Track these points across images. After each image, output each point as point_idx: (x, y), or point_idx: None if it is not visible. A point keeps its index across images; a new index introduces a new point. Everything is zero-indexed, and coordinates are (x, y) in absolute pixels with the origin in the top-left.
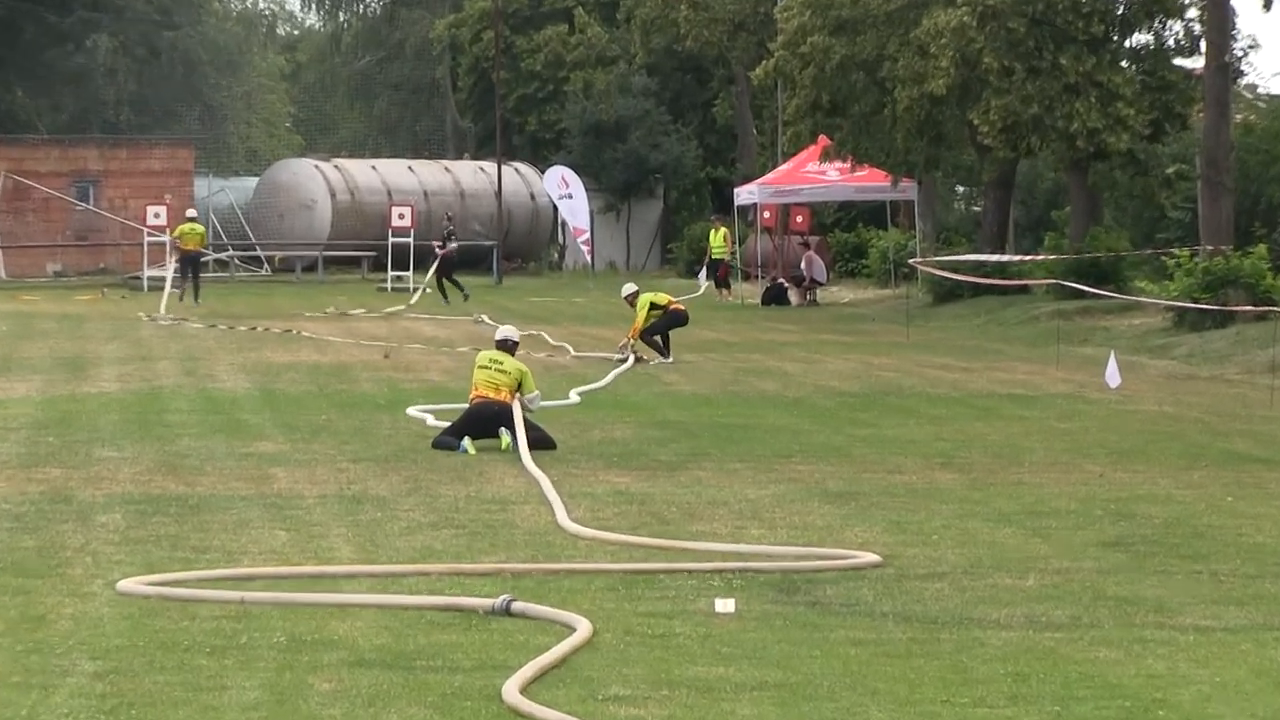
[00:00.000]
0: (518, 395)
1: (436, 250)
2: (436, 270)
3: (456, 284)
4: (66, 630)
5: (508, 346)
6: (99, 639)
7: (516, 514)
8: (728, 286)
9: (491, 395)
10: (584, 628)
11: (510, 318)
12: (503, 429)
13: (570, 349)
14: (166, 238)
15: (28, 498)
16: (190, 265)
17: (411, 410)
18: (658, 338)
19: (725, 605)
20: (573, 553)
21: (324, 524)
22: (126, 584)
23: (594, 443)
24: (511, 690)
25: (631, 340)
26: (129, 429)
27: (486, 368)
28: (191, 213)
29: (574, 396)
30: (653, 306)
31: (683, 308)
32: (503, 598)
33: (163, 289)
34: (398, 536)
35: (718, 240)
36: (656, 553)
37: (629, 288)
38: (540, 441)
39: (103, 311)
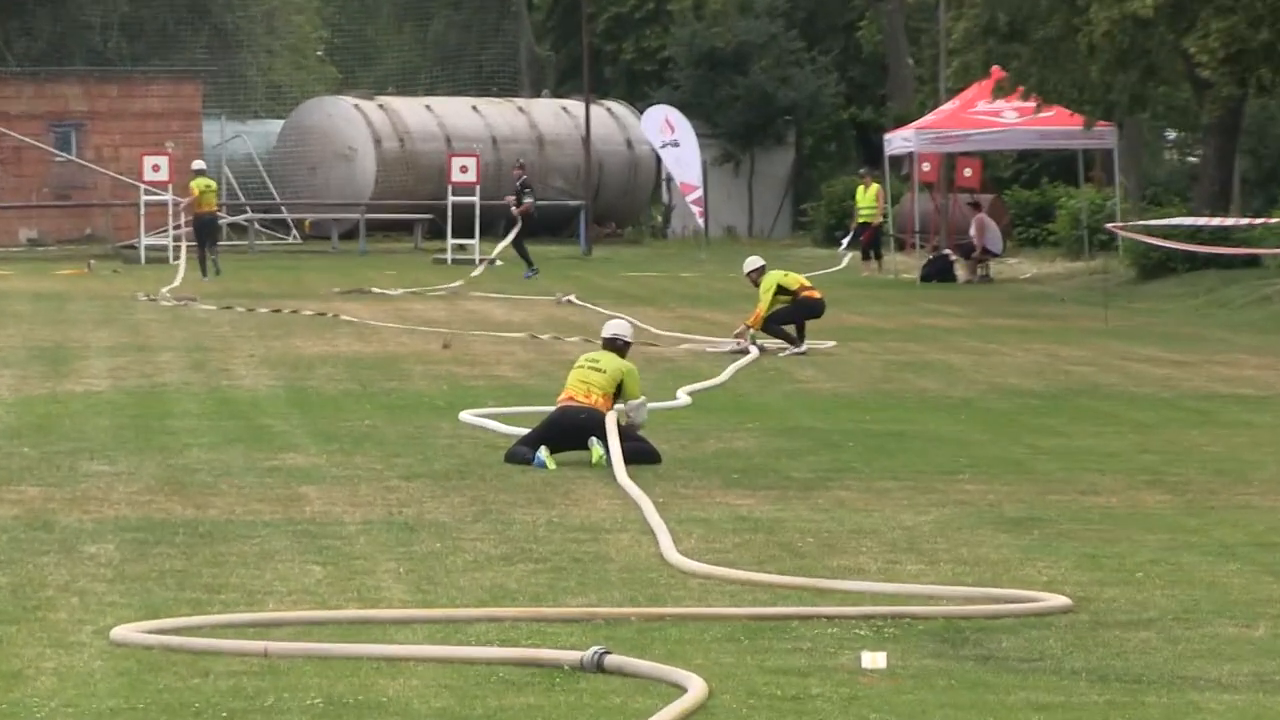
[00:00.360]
0: (615, 404)
1: (512, 210)
2: (516, 235)
3: (524, 254)
4: (48, 689)
5: (616, 346)
6: (89, 700)
7: (610, 545)
8: (878, 257)
9: (580, 399)
10: (696, 688)
11: (602, 297)
12: (594, 439)
13: (697, 339)
14: (169, 196)
15: None
16: (209, 231)
17: (466, 415)
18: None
19: (875, 660)
20: (682, 594)
21: (369, 557)
22: (122, 631)
23: (708, 455)
24: None
25: (752, 328)
26: (124, 437)
27: (581, 366)
28: (199, 164)
29: (683, 397)
30: (780, 290)
31: (818, 295)
32: (593, 650)
33: (165, 260)
34: (461, 573)
35: (867, 199)
36: (788, 594)
37: (753, 261)
38: (641, 454)
39: (90, 289)
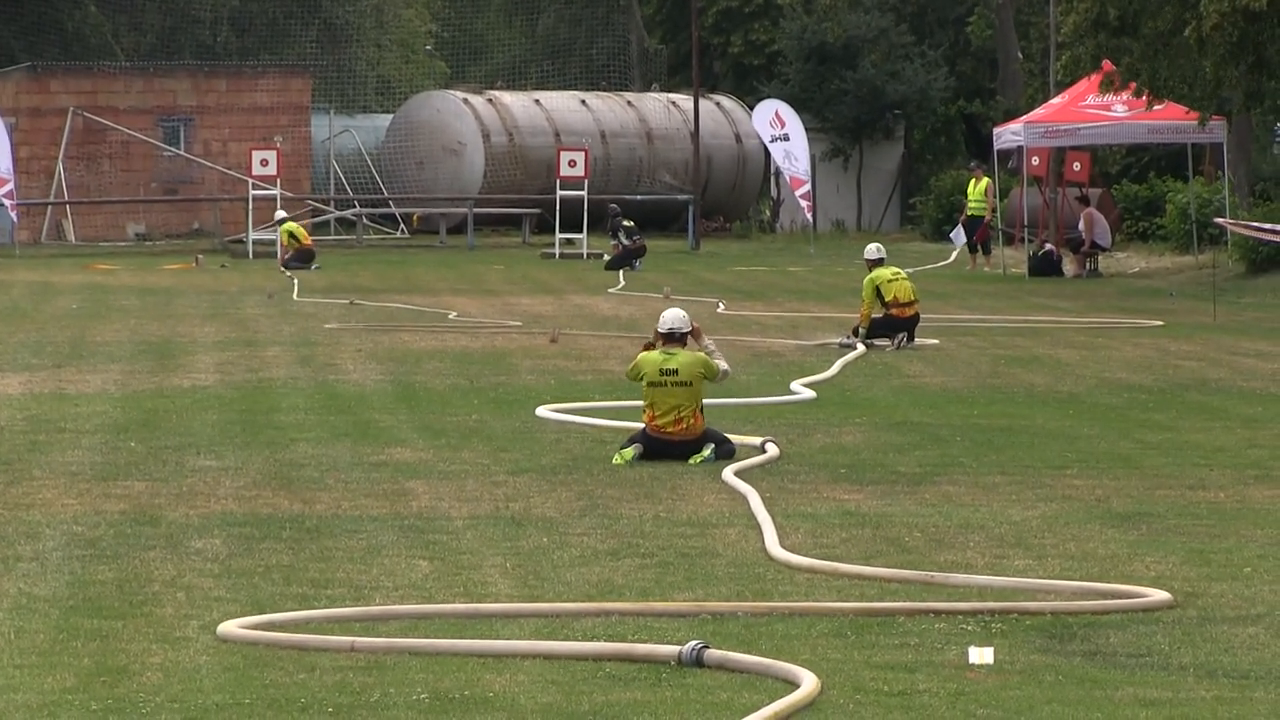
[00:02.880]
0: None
1: (626, 244)
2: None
3: (620, 266)
4: (154, 684)
5: (677, 339)
6: (194, 695)
7: (718, 540)
8: (987, 252)
9: (671, 430)
10: (808, 682)
11: (711, 291)
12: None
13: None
14: (277, 191)
15: (105, 518)
16: (309, 258)
17: (543, 411)
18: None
19: (982, 655)
20: (789, 589)
21: (475, 552)
22: (228, 627)
23: (815, 450)
24: None
25: (862, 326)
26: (230, 432)
27: (660, 384)
28: (281, 214)
29: (805, 390)
30: (877, 292)
31: (910, 313)
32: (693, 644)
33: (274, 255)
34: (568, 568)
35: (977, 193)
36: (895, 589)
37: (870, 250)
38: (722, 454)
39: (197, 284)
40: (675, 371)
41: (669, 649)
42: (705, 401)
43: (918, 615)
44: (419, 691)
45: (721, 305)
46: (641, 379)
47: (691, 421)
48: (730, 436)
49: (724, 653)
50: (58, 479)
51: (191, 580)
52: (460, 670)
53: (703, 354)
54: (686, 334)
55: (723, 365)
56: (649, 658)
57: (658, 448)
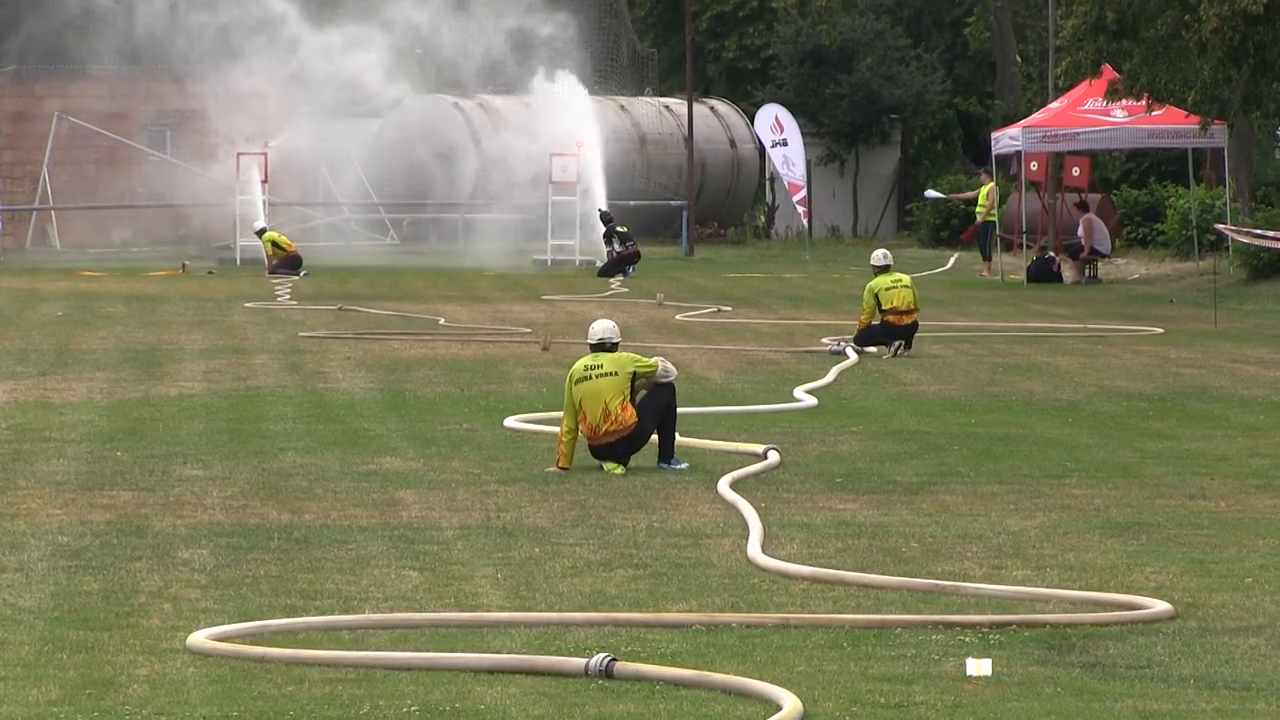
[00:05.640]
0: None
1: (620, 250)
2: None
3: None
4: (140, 696)
5: (606, 349)
6: (181, 708)
7: (712, 550)
8: (986, 258)
9: (603, 425)
10: (789, 705)
11: (703, 298)
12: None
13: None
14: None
15: (90, 528)
16: (296, 265)
17: (510, 421)
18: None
19: (980, 667)
20: (784, 599)
21: (466, 562)
22: (196, 638)
23: (811, 459)
24: None
25: (860, 327)
26: (218, 441)
27: (586, 379)
28: (259, 224)
29: (806, 397)
30: (876, 299)
31: (907, 322)
32: (601, 656)
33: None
34: (560, 579)
35: (983, 198)
36: (891, 600)
37: (876, 256)
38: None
39: (184, 291)
40: (600, 365)
41: (577, 661)
42: (708, 410)
43: (915, 627)
44: (409, 704)
45: (661, 296)
46: (574, 386)
47: (620, 413)
48: (730, 445)
49: (634, 665)
50: (43, 489)
51: (178, 591)
52: (451, 683)
53: (631, 354)
54: (615, 344)
55: (669, 367)
56: (554, 670)
57: (603, 454)
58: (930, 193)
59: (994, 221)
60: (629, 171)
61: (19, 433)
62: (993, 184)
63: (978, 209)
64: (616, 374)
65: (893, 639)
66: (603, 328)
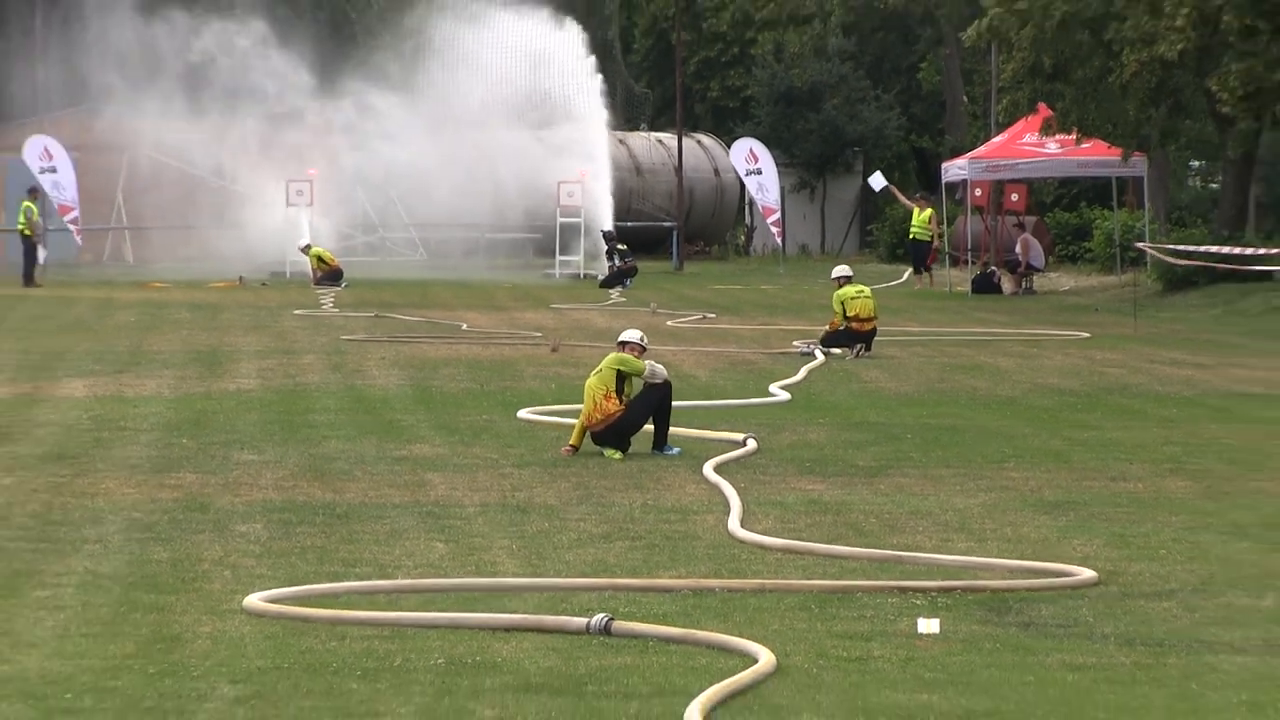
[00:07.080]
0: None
1: (620, 265)
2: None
3: (613, 285)
4: (204, 651)
5: (630, 347)
6: (239, 660)
7: (698, 524)
8: (927, 270)
9: (598, 419)
10: (765, 658)
11: (692, 307)
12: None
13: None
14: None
15: (160, 506)
16: (337, 279)
17: (523, 413)
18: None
19: (929, 626)
20: (761, 568)
21: (486, 535)
22: (251, 600)
23: (784, 446)
24: (693, 717)
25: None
26: (270, 430)
27: (589, 380)
28: (304, 241)
29: (780, 393)
30: (843, 306)
31: (868, 328)
32: (600, 616)
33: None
34: (567, 549)
35: (921, 220)
36: (853, 568)
37: (838, 270)
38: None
39: (241, 300)
40: (598, 369)
41: (579, 621)
42: (697, 403)
43: (874, 592)
44: (436, 657)
45: (654, 305)
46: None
47: (604, 403)
48: (715, 434)
49: (630, 624)
50: (118, 471)
51: (236, 560)
52: (472, 639)
53: (621, 355)
54: (623, 344)
55: (657, 367)
56: (559, 628)
57: (598, 439)
58: (877, 179)
59: (929, 241)
60: (626, 197)
61: (98, 423)
62: (931, 210)
63: (917, 229)
64: (601, 371)
65: (854, 602)
66: (625, 333)
